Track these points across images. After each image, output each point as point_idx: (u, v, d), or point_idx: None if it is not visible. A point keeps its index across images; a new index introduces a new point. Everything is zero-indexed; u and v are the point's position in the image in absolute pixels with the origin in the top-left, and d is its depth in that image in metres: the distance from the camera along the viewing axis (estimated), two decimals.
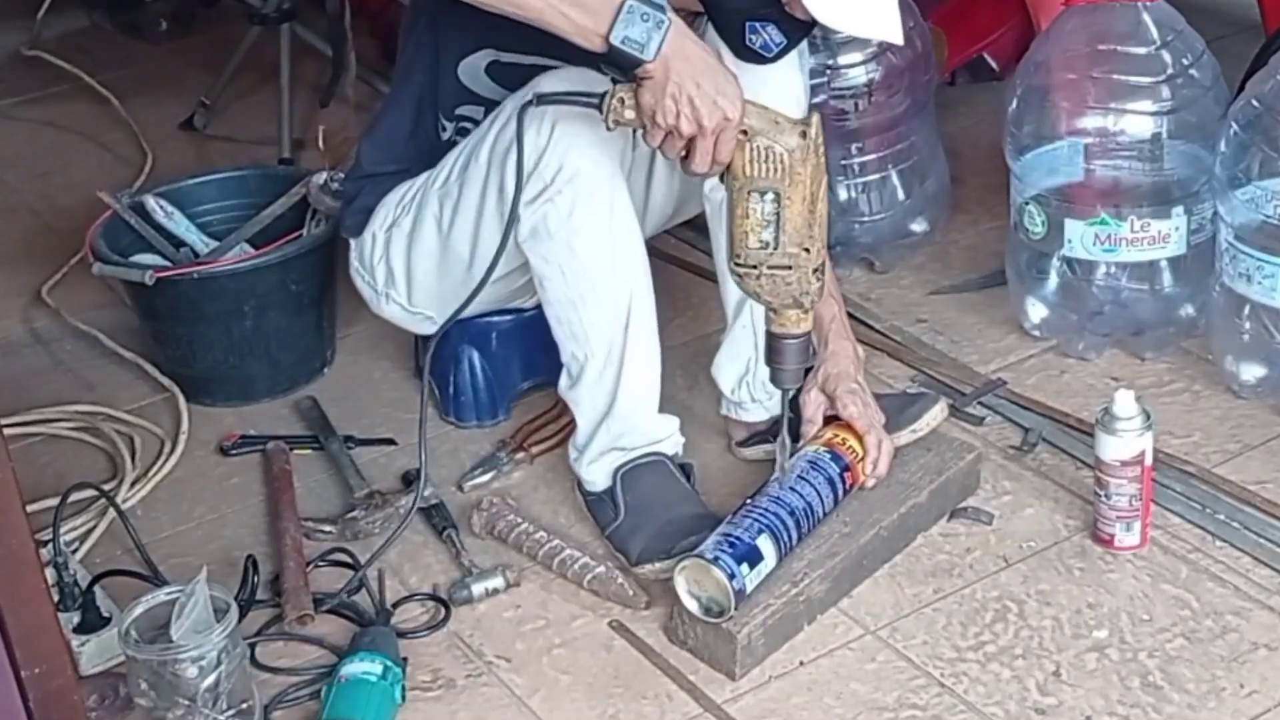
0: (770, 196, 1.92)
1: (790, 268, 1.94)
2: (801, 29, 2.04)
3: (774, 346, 2.03)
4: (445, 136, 2.30)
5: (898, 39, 2.02)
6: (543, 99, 2.04)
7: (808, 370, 2.16)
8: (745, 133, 1.91)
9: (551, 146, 2.05)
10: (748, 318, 2.27)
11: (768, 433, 2.34)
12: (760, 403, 2.33)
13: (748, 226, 1.94)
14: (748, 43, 2.05)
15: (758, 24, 2.02)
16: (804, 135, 1.90)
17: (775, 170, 1.91)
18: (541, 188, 2.08)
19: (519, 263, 2.21)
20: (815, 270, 1.96)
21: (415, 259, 2.31)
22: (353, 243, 2.41)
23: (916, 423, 2.25)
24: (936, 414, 2.27)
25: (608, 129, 1.98)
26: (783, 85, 2.14)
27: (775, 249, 1.93)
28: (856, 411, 2.18)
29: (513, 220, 2.08)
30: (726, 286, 2.27)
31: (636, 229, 2.16)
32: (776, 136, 1.90)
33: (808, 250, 1.93)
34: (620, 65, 1.92)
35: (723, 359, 2.33)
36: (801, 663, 2.01)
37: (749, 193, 1.93)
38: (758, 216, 1.93)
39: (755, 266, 1.95)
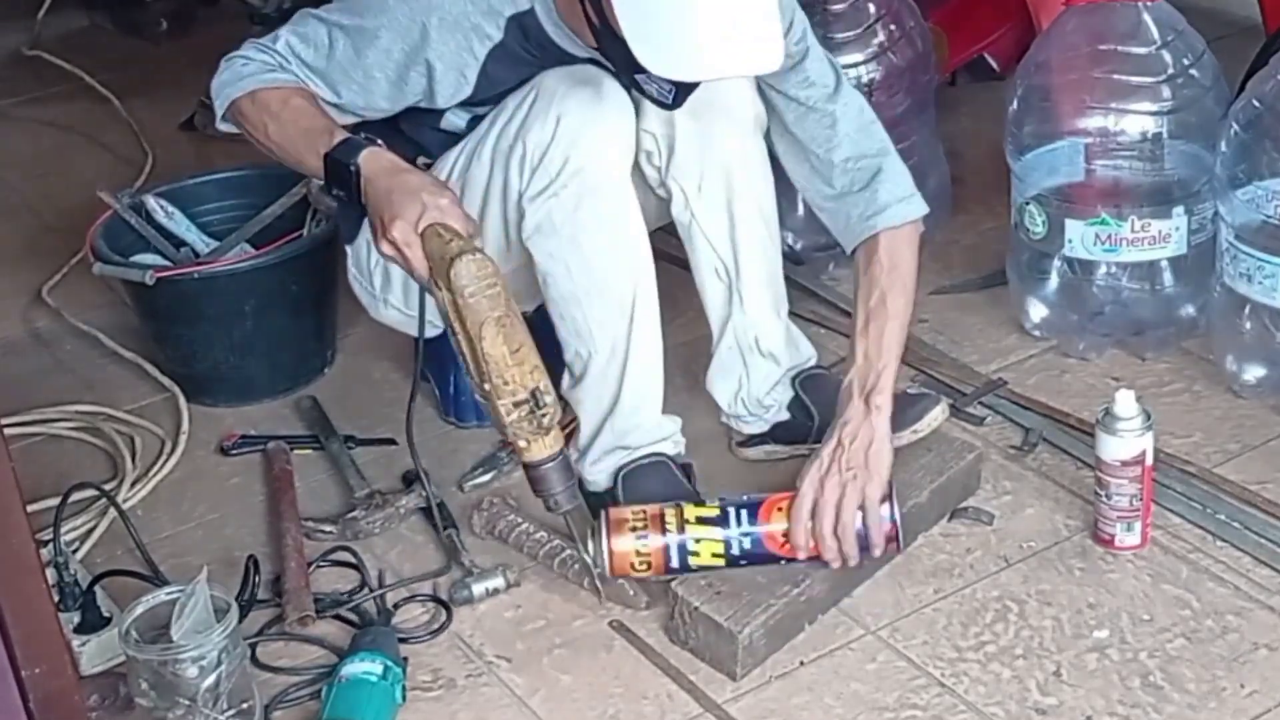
0: (450, 331, 1.96)
1: (486, 400, 1.95)
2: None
3: (526, 476, 2.03)
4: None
5: (760, 70, 1.96)
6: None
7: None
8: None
9: (556, 140, 2.03)
10: (732, 339, 2.27)
11: (769, 434, 2.34)
12: (758, 416, 2.33)
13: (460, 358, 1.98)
14: (645, 93, 1.99)
15: (642, 76, 1.95)
16: (449, 286, 1.91)
17: (441, 312, 1.96)
18: (547, 182, 2.06)
19: (518, 263, 2.20)
20: (518, 402, 1.93)
21: None
22: (349, 248, 2.39)
23: (917, 423, 2.24)
24: (937, 415, 2.27)
25: None
26: (735, 103, 2.14)
27: (474, 379, 1.96)
28: (804, 488, 2.04)
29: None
30: (709, 302, 2.27)
31: (642, 224, 2.15)
32: (433, 285, 1.94)
33: (487, 385, 1.93)
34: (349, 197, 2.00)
35: (714, 376, 2.32)
36: (802, 663, 2.01)
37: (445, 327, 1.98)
38: (453, 348, 1.97)
39: (476, 394, 1.99)
